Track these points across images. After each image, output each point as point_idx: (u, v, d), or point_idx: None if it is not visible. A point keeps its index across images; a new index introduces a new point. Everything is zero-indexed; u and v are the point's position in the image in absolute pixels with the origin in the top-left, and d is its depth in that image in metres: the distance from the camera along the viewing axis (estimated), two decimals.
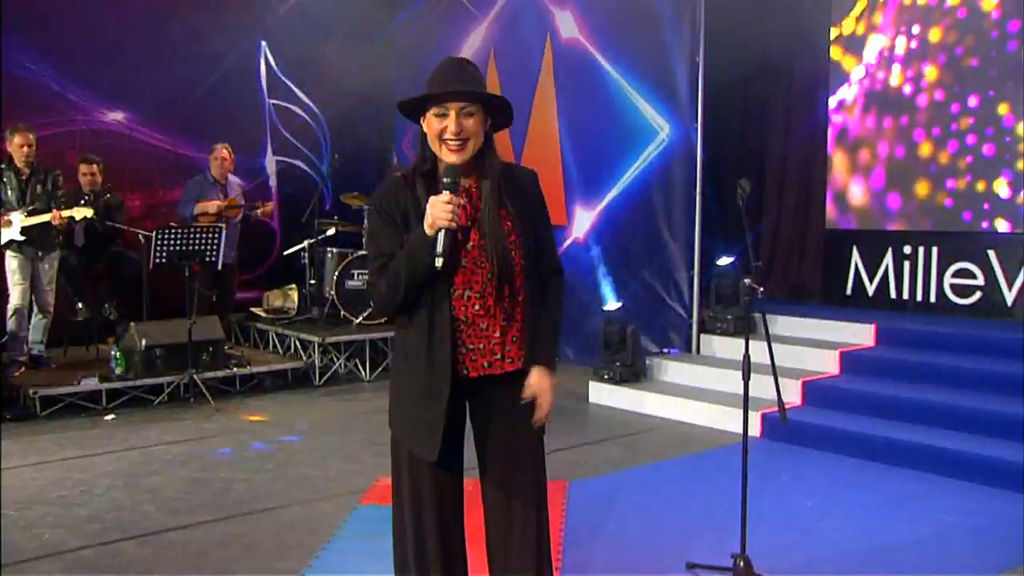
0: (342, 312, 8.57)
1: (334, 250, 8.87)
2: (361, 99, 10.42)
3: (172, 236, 7.32)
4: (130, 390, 7.21)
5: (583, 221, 8.82)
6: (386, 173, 9.97)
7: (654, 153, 8.14)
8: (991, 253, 7.18)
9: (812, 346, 7.03)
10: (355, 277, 8.55)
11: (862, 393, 6.37)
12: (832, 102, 8.24)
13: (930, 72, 7.60)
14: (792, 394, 6.56)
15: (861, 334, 7.07)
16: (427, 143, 2.62)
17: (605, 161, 8.57)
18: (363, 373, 8.40)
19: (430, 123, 2.57)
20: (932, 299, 7.52)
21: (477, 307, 2.59)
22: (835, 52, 8.20)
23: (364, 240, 8.39)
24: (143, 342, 7.19)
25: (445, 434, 2.62)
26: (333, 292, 8.55)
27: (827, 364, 6.85)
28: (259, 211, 8.68)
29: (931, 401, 6.00)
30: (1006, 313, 7.09)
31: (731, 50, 7.85)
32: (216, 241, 7.50)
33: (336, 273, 8.54)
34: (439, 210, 2.44)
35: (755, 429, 6.34)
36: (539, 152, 9.16)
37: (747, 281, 4.07)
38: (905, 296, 7.69)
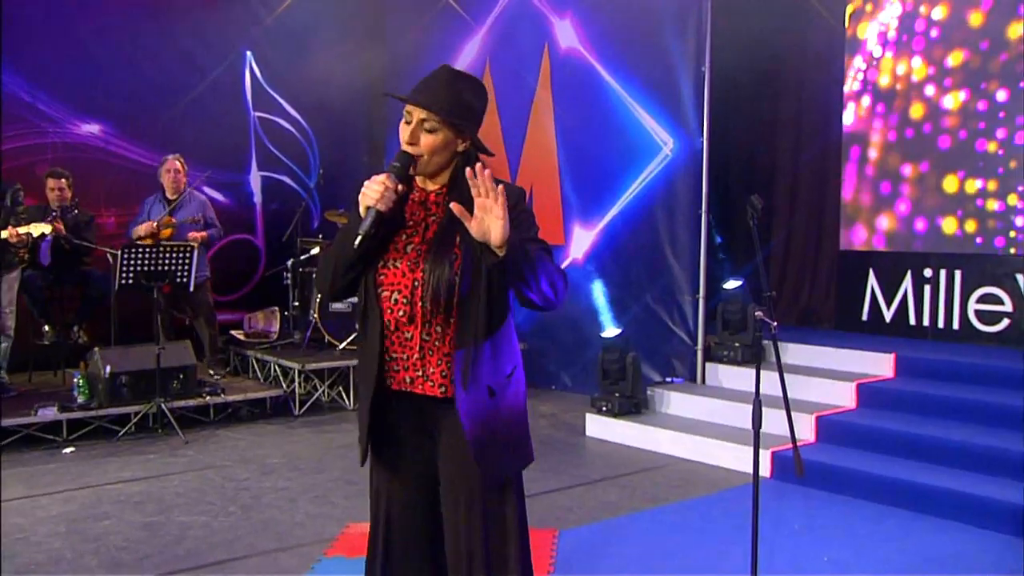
0: (326, 337, 8.08)
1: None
2: (351, 111, 10.00)
3: (139, 255, 6.85)
4: (93, 420, 6.72)
5: (581, 241, 8.33)
6: None
7: (657, 169, 7.66)
8: (1020, 277, 6.67)
9: (826, 377, 6.52)
10: (340, 300, 8.06)
11: (881, 430, 5.85)
12: (847, 114, 7.75)
13: (953, 71, 7.12)
14: (805, 430, 6.05)
15: (879, 364, 6.56)
16: None
17: (605, 177, 8.09)
18: (347, 402, 7.90)
19: (401, 126, 2.46)
20: (955, 326, 7.01)
21: (402, 313, 2.42)
22: (849, 59, 7.72)
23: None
24: (108, 369, 6.70)
25: (408, 453, 2.53)
26: (316, 315, 8.07)
27: (843, 397, 6.34)
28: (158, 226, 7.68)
29: (958, 441, 5.46)
30: None
31: (739, 60, 7.41)
32: (188, 260, 7.04)
33: (319, 296, 8.06)
34: (368, 187, 2.34)
35: (765, 469, 5.83)
36: (536, 168, 8.69)
37: (758, 314, 3.57)
38: (926, 323, 7.18)
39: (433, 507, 2.54)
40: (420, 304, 2.39)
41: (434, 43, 9.67)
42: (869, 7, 7.61)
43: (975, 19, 7.00)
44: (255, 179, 9.73)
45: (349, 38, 9.78)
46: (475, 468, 2.42)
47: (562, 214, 8.48)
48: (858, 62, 7.67)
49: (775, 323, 3.53)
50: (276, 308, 8.90)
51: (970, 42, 7.03)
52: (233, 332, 8.90)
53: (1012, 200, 6.79)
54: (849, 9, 7.71)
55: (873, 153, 7.60)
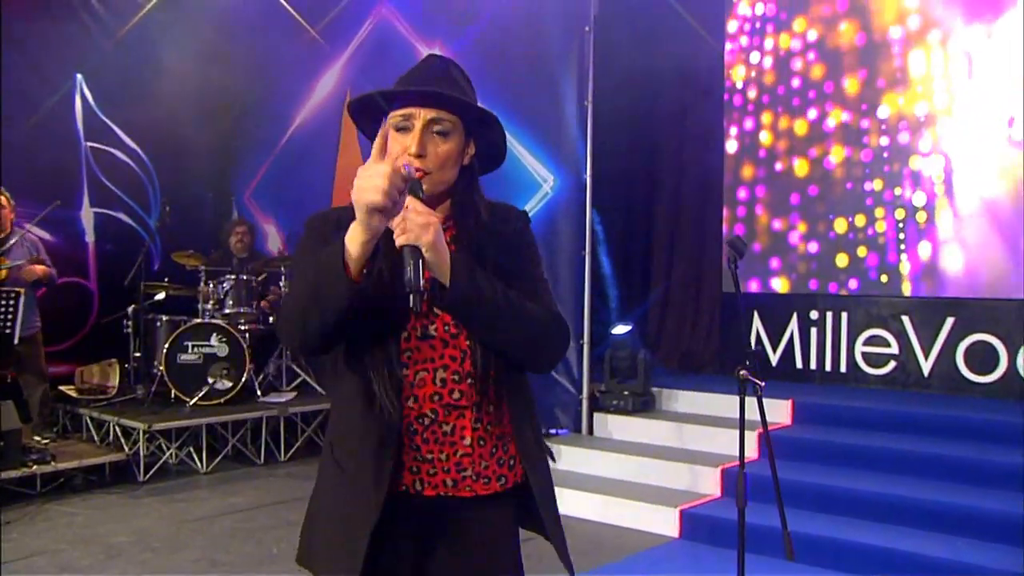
0: (173, 391, 7.22)
1: (164, 318, 7.55)
2: (196, 143, 9.18)
3: None
4: None
5: None
6: (225, 228, 8.72)
7: (537, 207, 7.26)
8: (905, 319, 6.64)
9: (726, 426, 6.23)
10: (189, 350, 7.23)
11: (787, 482, 5.53)
12: (730, 145, 7.61)
13: (836, 97, 7.11)
14: (711, 484, 5.75)
15: (776, 411, 6.33)
16: None
17: None
18: (198, 464, 7.06)
19: (389, 141, 1.83)
20: (843, 369, 6.91)
21: (457, 395, 1.86)
22: (732, 89, 7.61)
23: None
24: None
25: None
26: (163, 367, 7.20)
27: (745, 447, 6.05)
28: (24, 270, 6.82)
29: (868, 491, 5.27)
30: (923, 384, 6.55)
31: (623, 95, 7.14)
32: (13, 309, 6.11)
33: (167, 345, 7.20)
34: (368, 179, 1.65)
35: (673, 528, 5.47)
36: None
37: (743, 373, 3.20)
38: (813, 366, 7.06)
39: None
40: (476, 382, 1.87)
41: (288, 70, 9.05)
42: (744, 39, 7.54)
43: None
44: (87, 216, 8.73)
45: (194, 64, 8.96)
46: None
47: None
48: (741, 85, 7.59)
49: (763, 383, 3.18)
50: (114, 360, 7.92)
51: (847, 46, 7.06)
52: (63, 387, 7.87)
53: (896, 241, 6.78)
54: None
55: (759, 185, 7.49)
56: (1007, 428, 5.64)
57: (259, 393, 7.48)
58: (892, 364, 6.70)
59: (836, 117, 7.10)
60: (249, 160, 9.49)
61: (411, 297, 1.66)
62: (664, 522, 5.53)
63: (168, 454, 6.97)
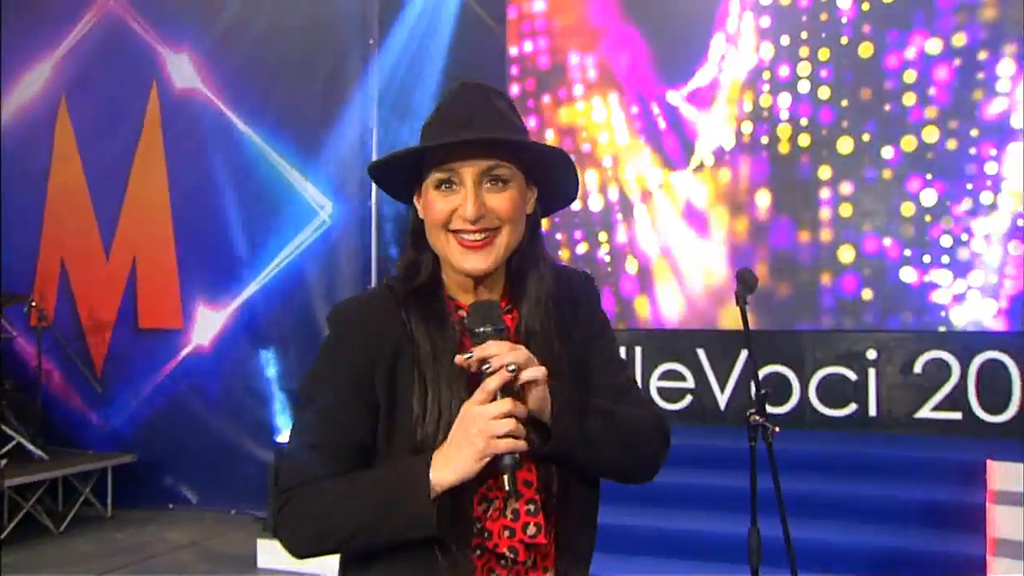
0: None
1: None
2: None
3: None
4: None
5: (209, 324, 6.80)
6: None
7: (313, 237, 6.51)
8: (701, 352, 6.61)
9: None
10: None
11: (607, 526, 5.29)
12: None
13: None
14: None
15: None
16: (422, 237, 1.55)
17: (240, 247, 6.71)
18: None
19: (429, 202, 1.51)
20: None
21: (532, 530, 1.48)
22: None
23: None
24: None
25: None
26: None
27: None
28: None
29: (679, 531, 5.18)
30: (719, 419, 6.53)
31: (409, 114, 6.59)
32: None
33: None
34: (489, 424, 1.37)
35: None
36: (141, 234, 7.02)
37: (756, 418, 2.80)
38: None
39: None
40: (553, 510, 1.52)
41: None
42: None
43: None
44: None
45: None
46: None
47: (179, 291, 6.89)
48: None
49: (776, 428, 2.79)
50: None
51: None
52: None
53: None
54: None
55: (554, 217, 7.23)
56: (807, 456, 5.73)
57: None
58: (688, 399, 6.64)
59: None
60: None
61: (507, 478, 1.36)
62: None
63: None
